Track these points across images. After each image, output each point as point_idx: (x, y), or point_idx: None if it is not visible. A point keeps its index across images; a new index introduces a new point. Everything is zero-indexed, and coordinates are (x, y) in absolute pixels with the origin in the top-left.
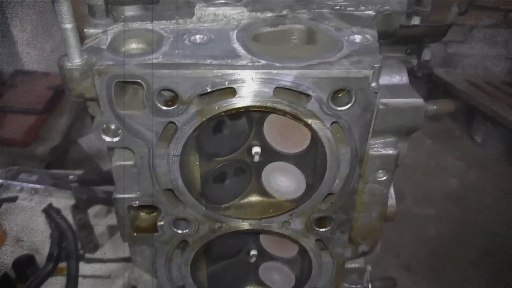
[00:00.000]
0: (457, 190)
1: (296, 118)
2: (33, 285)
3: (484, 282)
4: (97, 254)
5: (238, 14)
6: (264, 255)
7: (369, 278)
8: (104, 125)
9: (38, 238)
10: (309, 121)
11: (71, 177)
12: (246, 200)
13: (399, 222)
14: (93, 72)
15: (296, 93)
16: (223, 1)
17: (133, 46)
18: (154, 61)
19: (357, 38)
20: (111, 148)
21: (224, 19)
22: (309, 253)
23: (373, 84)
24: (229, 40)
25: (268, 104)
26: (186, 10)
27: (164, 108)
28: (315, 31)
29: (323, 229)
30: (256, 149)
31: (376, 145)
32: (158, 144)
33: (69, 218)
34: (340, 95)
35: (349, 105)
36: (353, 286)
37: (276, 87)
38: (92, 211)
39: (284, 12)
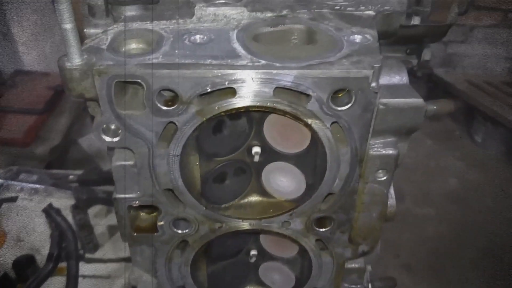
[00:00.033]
0: (457, 190)
1: (296, 118)
2: (33, 285)
3: (484, 282)
4: (97, 254)
5: (238, 14)
6: (264, 255)
7: (369, 278)
8: (104, 125)
9: (38, 238)
10: (309, 121)
11: (71, 177)
12: (246, 200)
13: (399, 222)
14: (93, 72)
15: (296, 93)
16: (223, 1)
17: (133, 46)
18: (154, 61)
19: (357, 38)
20: (111, 148)
21: (224, 19)
22: (309, 253)
23: (373, 84)
24: (229, 40)
25: (268, 104)
26: (186, 10)
27: (164, 108)
28: (315, 31)
29: (323, 229)
30: (256, 149)
31: (376, 145)
32: (158, 144)
33: (69, 218)
34: (340, 95)
35: (349, 105)
36: (353, 286)
37: (276, 87)
38: (92, 211)
39: (284, 12)
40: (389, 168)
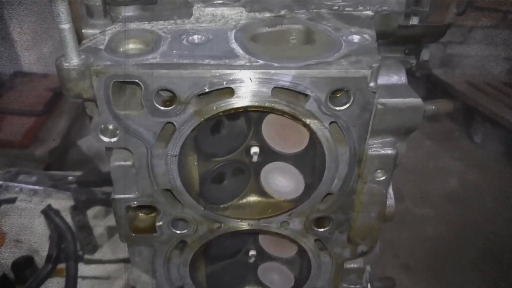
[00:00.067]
0: (456, 190)
1: (295, 118)
2: (32, 286)
3: (483, 282)
4: (96, 255)
5: (236, 14)
6: (263, 256)
7: (368, 278)
8: (102, 126)
9: (37, 240)
10: (308, 121)
11: (70, 178)
12: (244, 200)
13: (398, 222)
14: (91, 72)
15: (294, 93)
16: (221, 1)
17: (131, 46)
18: (152, 61)
19: (356, 38)
20: (109, 149)
21: (222, 20)
22: (308, 253)
23: (372, 84)
24: (227, 40)
25: (267, 104)
26: (184, 11)
27: (162, 108)
28: (313, 31)
29: (322, 229)
30: (255, 149)
31: (374, 145)
32: (156, 144)
33: (68, 219)
34: (338, 95)
35: (347, 105)
36: (352, 286)
37: (275, 87)
38: (91, 212)
39: (283, 13)
40: (387, 168)
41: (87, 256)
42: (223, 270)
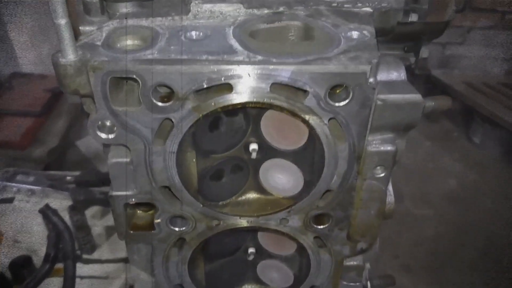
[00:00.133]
0: (456, 191)
1: (294, 114)
2: (29, 286)
3: (483, 282)
4: (95, 255)
5: (234, 10)
6: (262, 253)
7: (367, 276)
8: (99, 122)
9: (35, 239)
10: (307, 117)
11: (68, 178)
12: (243, 197)
13: (398, 223)
14: (88, 68)
15: (293, 89)
16: None
17: (129, 42)
18: (150, 57)
19: (355, 34)
20: (107, 145)
21: (220, 16)
22: (307, 250)
23: (371, 80)
24: (226, 37)
25: (265, 100)
26: (182, 7)
27: (160, 104)
28: (312, 28)
29: (321, 226)
30: (253, 146)
31: (374, 142)
32: (154, 141)
33: (66, 219)
34: (337, 91)
35: (346, 101)
36: (352, 284)
37: (273, 83)
38: (89, 212)
39: (281, 9)
40: (387, 165)
41: (85, 256)
42: (222, 268)
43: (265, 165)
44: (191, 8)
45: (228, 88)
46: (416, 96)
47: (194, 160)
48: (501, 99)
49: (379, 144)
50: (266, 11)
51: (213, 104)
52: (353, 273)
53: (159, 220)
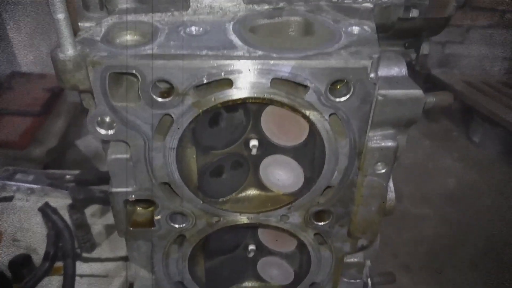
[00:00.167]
0: (455, 190)
1: (294, 109)
2: (29, 284)
3: (482, 281)
4: (94, 253)
5: (234, 6)
6: (262, 250)
7: (368, 273)
8: (99, 118)
9: (35, 238)
10: (307, 112)
11: (67, 177)
12: (243, 194)
13: (397, 222)
14: (87, 63)
15: (293, 84)
16: None
17: (128, 37)
18: (149, 52)
19: (355, 29)
20: (106, 141)
21: (220, 11)
22: (307, 247)
23: (372, 75)
24: (226, 32)
25: (266, 95)
26: (182, 3)
27: (160, 99)
28: (312, 23)
29: (322, 223)
30: (254, 142)
31: (375, 137)
32: (154, 136)
33: (66, 218)
34: (338, 86)
35: (347, 96)
36: (352, 280)
37: (274, 78)
38: (89, 210)
39: (281, 5)
40: (388, 161)
41: (85, 254)
42: (222, 265)
43: (265, 162)
44: (191, 3)
45: (228, 83)
46: (417, 92)
47: (194, 156)
48: (500, 98)
49: (380, 140)
50: (266, 6)
51: (213, 99)
52: (354, 270)
53: (159, 217)
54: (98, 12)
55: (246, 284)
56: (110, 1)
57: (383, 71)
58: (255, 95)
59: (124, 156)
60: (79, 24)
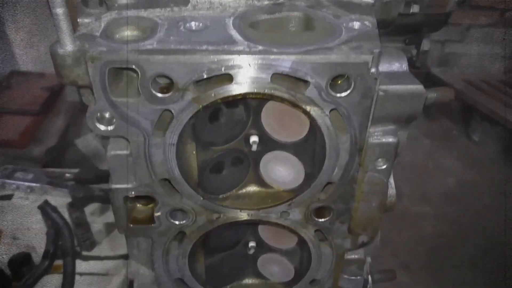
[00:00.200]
0: (455, 189)
1: (295, 105)
2: (28, 282)
3: (482, 281)
4: (94, 252)
5: (234, 1)
6: (262, 247)
7: (368, 270)
8: (98, 113)
9: (34, 236)
10: (308, 108)
11: (67, 175)
12: (244, 190)
13: (397, 221)
14: (87, 58)
15: (294, 80)
16: None
17: (127, 33)
18: (149, 47)
19: (356, 24)
20: (106, 138)
21: (220, 7)
22: (308, 244)
23: (373, 70)
24: (226, 27)
25: (266, 90)
26: None
27: (160, 95)
28: (313, 18)
29: (322, 219)
30: (254, 138)
31: (375, 133)
32: (154, 132)
33: (66, 216)
34: (339, 81)
35: (348, 91)
36: (353, 277)
37: (274, 73)
38: (89, 209)
39: (281, 0)
40: (389, 157)
41: (84, 253)
42: (223, 262)
43: (265, 158)
44: None
45: (228, 78)
46: (418, 87)
47: (194, 152)
48: (500, 97)
49: (380, 135)
50: (266, 2)
51: (213, 95)
52: (354, 267)
53: (159, 214)
54: (97, 8)
55: (246, 281)
56: None
57: (384, 67)
58: (255, 90)
59: (124, 152)
60: (78, 20)
